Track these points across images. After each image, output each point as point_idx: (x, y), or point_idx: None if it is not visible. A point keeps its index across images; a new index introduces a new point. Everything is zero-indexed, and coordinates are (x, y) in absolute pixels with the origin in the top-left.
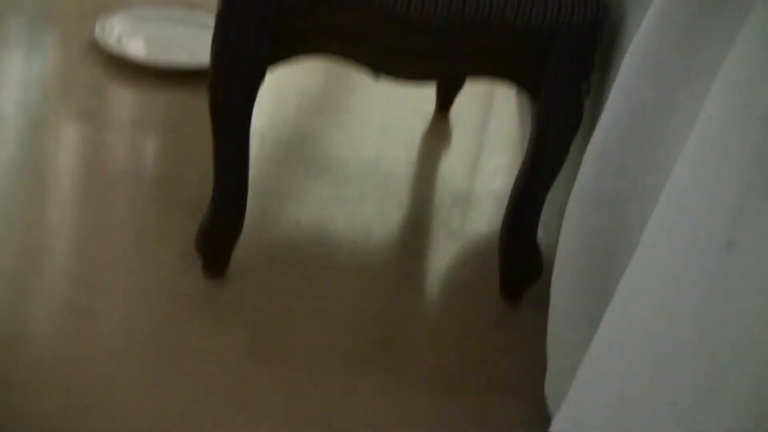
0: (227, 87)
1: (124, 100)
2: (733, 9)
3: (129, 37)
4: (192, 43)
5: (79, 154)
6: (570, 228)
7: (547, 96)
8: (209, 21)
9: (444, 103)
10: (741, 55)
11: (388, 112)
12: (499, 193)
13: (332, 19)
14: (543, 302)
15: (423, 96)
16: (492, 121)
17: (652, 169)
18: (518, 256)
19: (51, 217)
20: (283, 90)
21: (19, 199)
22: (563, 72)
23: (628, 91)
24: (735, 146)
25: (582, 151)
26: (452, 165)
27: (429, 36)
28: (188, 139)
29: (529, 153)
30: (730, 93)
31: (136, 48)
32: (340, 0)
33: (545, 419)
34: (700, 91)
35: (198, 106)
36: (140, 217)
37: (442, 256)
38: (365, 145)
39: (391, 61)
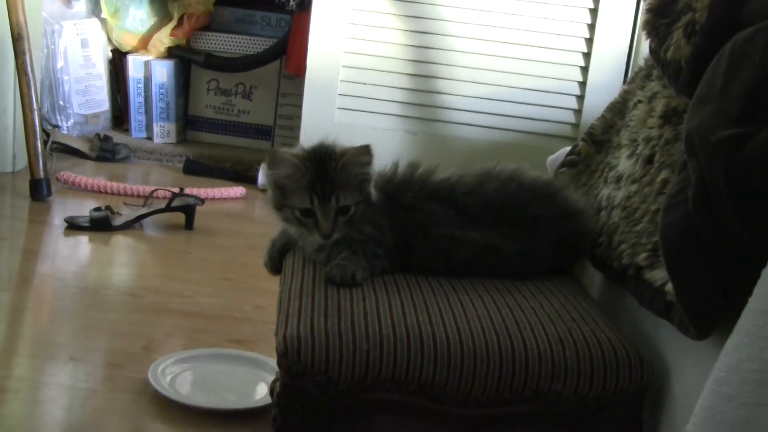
0: None
1: None
2: None
3: (179, 378)
4: (242, 384)
5: None
6: None
7: None
8: (259, 359)
9: None
10: None
11: None
12: None
13: (385, 397)
14: None
15: None
16: None
17: None
18: None
19: None
20: None
21: None
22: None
23: None
24: None
25: None
26: None
27: (478, 407)
28: None
29: None
30: None
31: (185, 389)
32: (391, 381)
33: None
34: None
35: None
36: None
37: None
38: None
39: None
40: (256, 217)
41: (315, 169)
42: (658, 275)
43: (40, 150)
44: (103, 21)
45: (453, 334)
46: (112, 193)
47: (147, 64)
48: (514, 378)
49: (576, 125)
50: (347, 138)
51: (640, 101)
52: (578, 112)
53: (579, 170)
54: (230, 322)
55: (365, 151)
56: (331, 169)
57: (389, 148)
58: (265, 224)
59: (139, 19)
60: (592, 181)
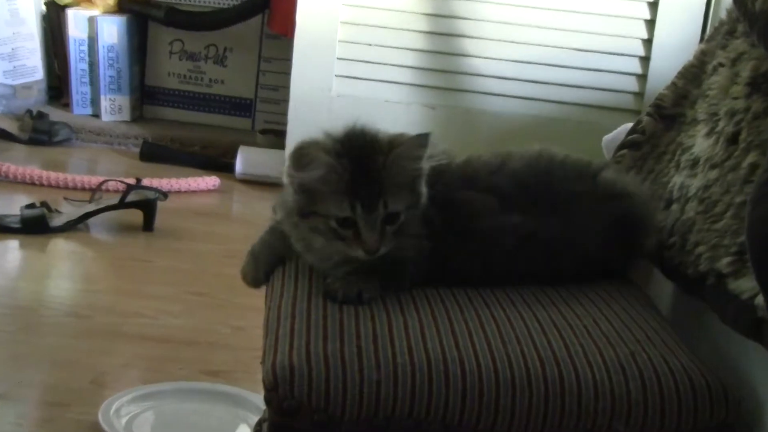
0: None
1: None
2: None
3: (138, 419)
4: (218, 426)
5: None
6: None
7: None
8: (240, 394)
9: None
10: None
11: None
12: None
13: None
14: None
15: None
16: None
17: None
18: None
19: None
20: None
21: None
22: None
23: None
24: None
25: None
26: None
27: None
28: None
29: None
30: None
31: None
32: (408, 420)
33: None
34: None
35: None
36: None
37: None
38: None
39: None
40: (233, 214)
41: (354, 167)
42: (745, 285)
43: None
44: None
45: (485, 360)
46: (50, 186)
47: (92, 20)
48: (563, 415)
49: (639, 95)
50: (348, 114)
51: (721, 64)
52: (642, 78)
53: (644, 152)
54: (203, 349)
55: (422, 142)
56: (379, 166)
57: (402, 125)
58: (246, 223)
59: None
60: (660, 166)
